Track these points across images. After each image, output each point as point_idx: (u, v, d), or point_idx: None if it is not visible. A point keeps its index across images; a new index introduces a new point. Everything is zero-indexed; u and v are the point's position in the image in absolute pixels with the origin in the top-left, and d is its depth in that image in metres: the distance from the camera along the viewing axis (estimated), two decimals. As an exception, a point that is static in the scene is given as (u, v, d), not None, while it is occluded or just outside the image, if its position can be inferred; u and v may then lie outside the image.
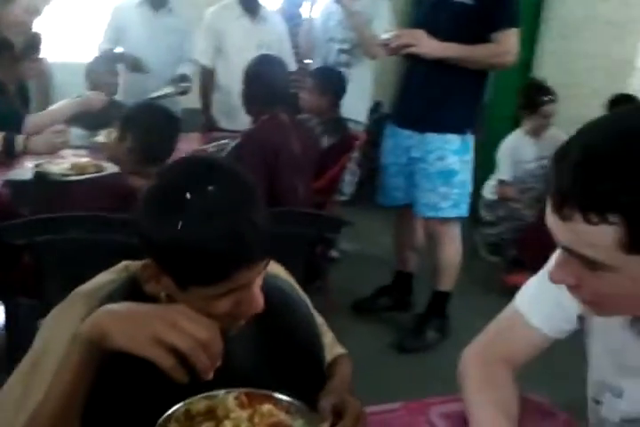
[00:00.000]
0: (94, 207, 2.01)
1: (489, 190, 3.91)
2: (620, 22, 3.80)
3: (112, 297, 0.92)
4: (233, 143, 2.54)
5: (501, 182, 3.84)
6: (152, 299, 0.90)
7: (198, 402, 0.90)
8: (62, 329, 0.91)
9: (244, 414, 0.90)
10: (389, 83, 4.92)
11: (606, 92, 3.84)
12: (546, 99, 3.69)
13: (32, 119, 2.68)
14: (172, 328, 0.77)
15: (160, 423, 0.85)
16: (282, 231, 1.74)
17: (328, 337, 1.16)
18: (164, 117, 2.18)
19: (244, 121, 2.81)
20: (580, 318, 1.03)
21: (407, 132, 2.71)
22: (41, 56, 3.10)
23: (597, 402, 1.02)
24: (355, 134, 3.28)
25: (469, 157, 2.68)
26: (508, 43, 2.49)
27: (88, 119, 2.95)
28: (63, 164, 2.43)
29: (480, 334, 1.13)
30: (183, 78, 3.48)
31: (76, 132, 2.81)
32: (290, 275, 1.15)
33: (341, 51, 3.48)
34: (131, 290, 0.94)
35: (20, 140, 2.42)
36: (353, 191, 3.69)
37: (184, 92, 3.45)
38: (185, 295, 0.87)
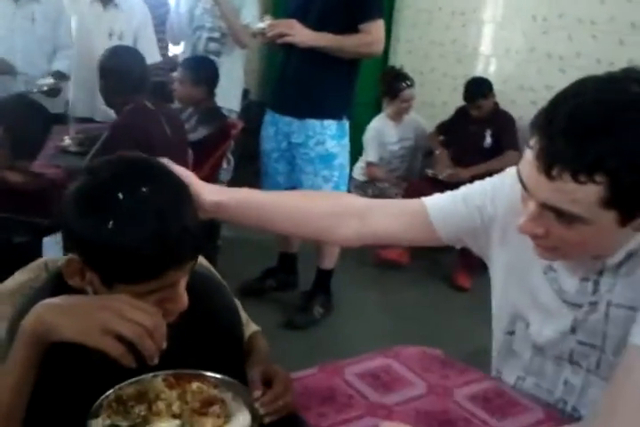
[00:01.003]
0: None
1: (358, 172, 4.10)
2: (464, 12, 4.12)
3: (39, 294, 0.91)
4: (102, 137, 2.49)
5: (369, 164, 4.06)
6: (79, 293, 0.90)
7: (128, 387, 0.92)
8: None
9: (174, 393, 0.94)
10: (257, 70, 5.00)
11: (457, 76, 4.17)
12: (404, 85, 3.94)
13: None
14: (119, 317, 0.79)
15: (92, 411, 0.86)
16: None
17: (243, 317, 1.22)
18: (34, 111, 2.12)
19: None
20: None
21: (287, 119, 2.80)
22: None
23: (511, 333, 1.17)
24: (231, 123, 3.31)
25: (346, 141, 2.82)
26: (375, 33, 2.64)
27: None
28: None
29: None
30: (57, 76, 3.20)
31: None
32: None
33: (210, 39, 3.49)
34: (57, 286, 0.93)
35: None
36: (229, 179, 3.72)
37: (53, 93, 3.14)
38: (109, 292, 0.87)
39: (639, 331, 0.93)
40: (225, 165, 3.53)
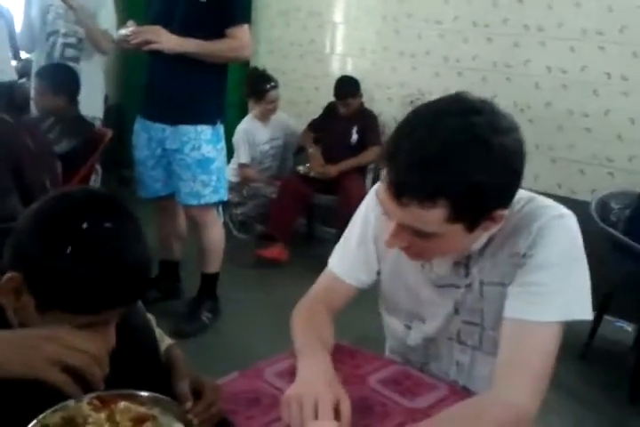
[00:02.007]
0: None
1: (230, 173, 4.12)
2: (321, 12, 4.26)
3: None
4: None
5: (241, 165, 4.10)
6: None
7: (52, 416, 0.91)
8: None
9: (102, 415, 0.94)
10: (114, 73, 4.83)
11: (317, 75, 4.31)
12: (269, 86, 4.02)
13: None
14: (65, 348, 0.81)
15: None
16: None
17: (157, 332, 1.24)
18: None
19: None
20: (378, 273, 1.31)
21: (159, 126, 2.77)
22: None
23: (409, 327, 1.32)
24: (99, 132, 3.20)
25: (222, 144, 2.84)
26: (242, 37, 2.67)
27: None
28: None
29: (304, 296, 1.36)
30: None
31: None
32: None
33: (67, 45, 3.35)
34: None
35: None
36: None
37: None
38: (40, 316, 0.88)
39: (511, 305, 1.09)
40: (93, 175, 3.42)
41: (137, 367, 1.08)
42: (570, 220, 1.10)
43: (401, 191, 0.97)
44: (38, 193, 2.29)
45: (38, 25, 3.35)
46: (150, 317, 1.24)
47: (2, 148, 2.21)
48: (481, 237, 1.11)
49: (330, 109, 3.99)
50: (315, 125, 4.08)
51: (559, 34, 3.29)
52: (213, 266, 2.99)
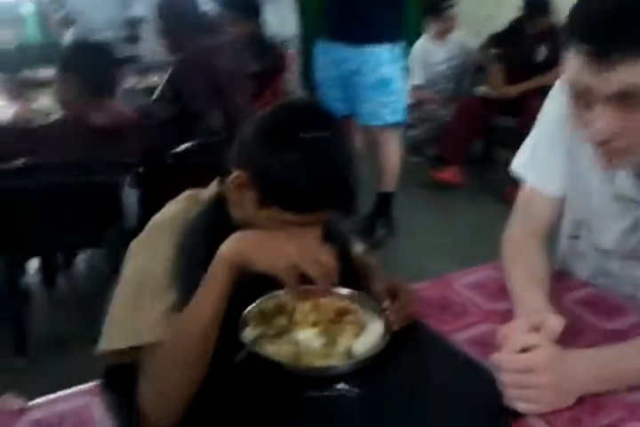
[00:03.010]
0: (63, 151, 2.01)
1: (405, 95, 4.09)
2: None
3: (195, 226, 1.01)
4: (168, 72, 2.56)
5: (415, 86, 4.03)
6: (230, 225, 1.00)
7: (267, 302, 1.06)
8: (155, 259, 0.99)
9: (308, 305, 1.06)
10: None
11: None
12: (448, 3, 3.85)
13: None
14: (309, 259, 0.91)
15: (240, 323, 1.01)
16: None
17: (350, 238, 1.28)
18: (101, 52, 2.17)
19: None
20: None
21: (341, 46, 2.79)
22: None
23: (576, 237, 1.25)
24: (283, 54, 3.31)
25: (403, 64, 2.82)
26: None
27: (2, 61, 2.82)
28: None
29: (509, 221, 1.29)
30: (133, 22, 3.26)
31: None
32: None
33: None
34: (213, 216, 1.03)
35: None
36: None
37: (132, 40, 3.23)
38: (259, 212, 0.97)
39: None
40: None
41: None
42: None
43: (607, 45, 0.83)
44: (236, 111, 2.45)
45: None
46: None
47: (203, 69, 2.38)
48: None
49: (515, 25, 3.75)
50: (496, 40, 3.85)
51: None
52: (390, 185, 3.05)
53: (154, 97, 2.47)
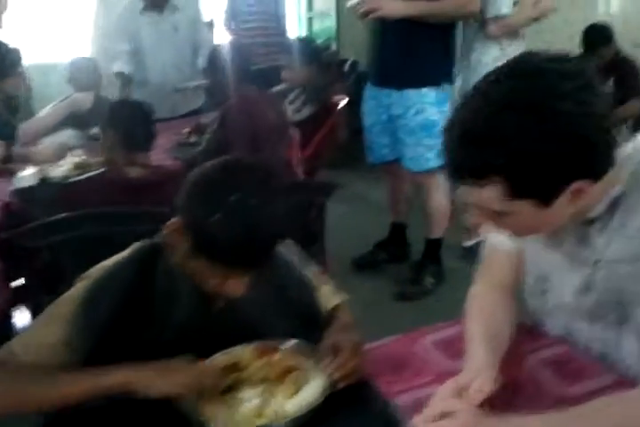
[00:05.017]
0: (101, 203, 2.14)
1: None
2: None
3: (118, 267, 1.12)
4: (213, 125, 2.67)
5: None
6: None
7: (221, 357, 1.10)
8: (69, 294, 1.10)
9: (260, 363, 1.09)
10: (361, 42, 4.98)
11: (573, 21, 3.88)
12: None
13: (25, 128, 2.79)
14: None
15: None
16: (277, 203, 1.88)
17: (325, 289, 1.30)
18: (138, 110, 2.32)
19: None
20: None
21: (386, 91, 2.81)
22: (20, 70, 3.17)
23: (543, 292, 1.16)
24: (335, 99, 3.37)
25: (447, 107, 2.77)
26: None
27: (79, 119, 3.06)
28: (63, 166, 2.55)
29: (474, 276, 1.27)
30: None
31: (70, 134, 2.93)
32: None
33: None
34: (139, 264, 1.12)
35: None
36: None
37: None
38: (191, 259, 1.03)
39: None
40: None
41: (289, 317, 1.19)
42: None
43: (454, 170, 0.91)
44: (274, 163, 2.51)
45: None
46: (315, 275, 1.31)
47: (242, 120, 2.47)
48: (595, 206, 0.98)
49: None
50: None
51: None
52: (438, 231, 2.97)
53: (200, 148, 2.58)
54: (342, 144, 3.71)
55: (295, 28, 5.82)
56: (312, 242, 2.67)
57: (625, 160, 0.99)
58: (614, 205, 0.99)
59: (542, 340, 1.19)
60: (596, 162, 0.89)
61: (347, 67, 5.22)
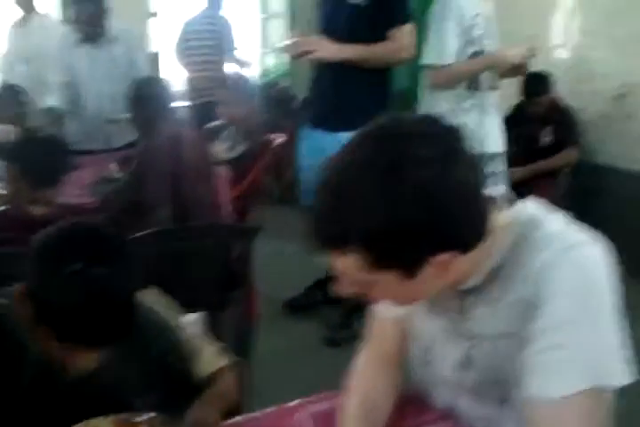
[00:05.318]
0: (1, 240, 2.03)
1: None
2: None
3: None
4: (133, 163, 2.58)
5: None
6: None
7: None
8: None
9: None
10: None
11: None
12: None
13: None
14: None
15: None
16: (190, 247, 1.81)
17: (207, 352, 1.21)
18: (46, 144, 2.22)
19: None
20: None
21: (320, 133, 2.77)
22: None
23: (428, 362, 1.09)
24: (270, 138, 3.33)
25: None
26: (401, 39, 2.56)
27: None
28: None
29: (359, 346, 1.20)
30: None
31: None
32: (166, 301, 1.21)
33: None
34: None
35: None
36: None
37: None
38: (35, 327, 0.96)
39: (525, 381, 0.87)
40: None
41: (154, 387, 1.12)
42: (583, 250, 0.87)
43: (315, 239, 0.85)
44: (193, 206, 2.43)
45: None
46: (198, 337, 1.23)
47: (161, 158, 2.39)
48: (471, 277, 0.92)
49: (517, 109, 3.65)
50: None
51: None
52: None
53: (114, 186, 2.49)
54: (288, 181, 3.66)
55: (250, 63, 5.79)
56: (236, 285, 2.57)
57: (504, 229, 0.93)
58: (493, 276, 0.92)
59: (427, 414, 1.11)
60: (460, 233, 0.83)
61: (297, 104, 5.20)
